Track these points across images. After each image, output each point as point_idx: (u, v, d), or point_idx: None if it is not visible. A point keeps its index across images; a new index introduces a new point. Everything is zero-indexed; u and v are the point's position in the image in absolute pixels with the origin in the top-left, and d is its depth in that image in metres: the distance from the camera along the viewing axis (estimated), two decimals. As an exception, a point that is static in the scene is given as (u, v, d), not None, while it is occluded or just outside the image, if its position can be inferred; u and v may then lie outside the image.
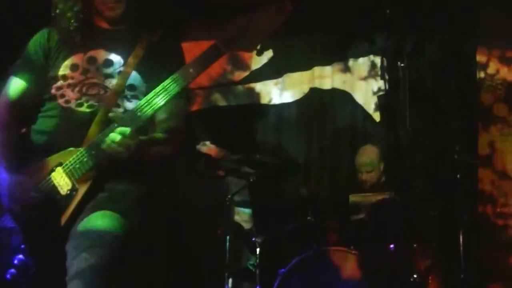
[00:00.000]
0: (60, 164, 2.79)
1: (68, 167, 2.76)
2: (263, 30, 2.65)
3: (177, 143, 3.00)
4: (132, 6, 2.95)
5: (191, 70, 2.71)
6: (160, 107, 2.72)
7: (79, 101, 2.90)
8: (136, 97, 2.91)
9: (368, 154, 5.76)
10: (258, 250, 5.01)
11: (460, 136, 5.99)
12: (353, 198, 5.52)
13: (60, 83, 2.94)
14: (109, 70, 2.94)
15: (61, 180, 2.77)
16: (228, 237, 5.16)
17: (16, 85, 3.02)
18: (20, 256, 2.71)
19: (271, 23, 2.64)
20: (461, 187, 4.95)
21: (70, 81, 2.93)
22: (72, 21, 2.97)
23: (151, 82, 2.88)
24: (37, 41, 3.07)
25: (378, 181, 5.66)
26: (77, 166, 2.75)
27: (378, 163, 5.67)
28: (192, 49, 2.93)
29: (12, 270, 2.70)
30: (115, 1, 2.92)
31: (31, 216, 2.74)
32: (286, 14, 2.65)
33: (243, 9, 2.72)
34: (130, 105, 2.90)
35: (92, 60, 2.96)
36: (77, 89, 2.92)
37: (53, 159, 2.82)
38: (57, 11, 2.99)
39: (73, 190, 2.75)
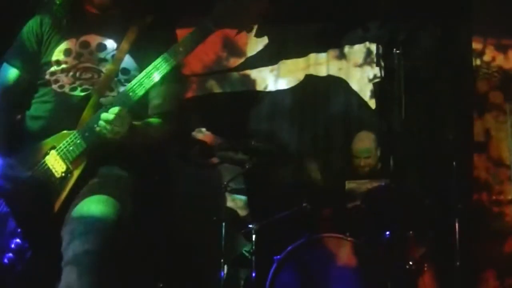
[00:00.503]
0: (54, 148, 2.80)
1: (62, 150, 2.77)
2: (252, 9, 2.66)
3: (169, 126, 3.01)
4: None
5: (180, 49, 2.73)
6: (151, 87, 2.74)
7: (73, 85, 2.91)
8: (129, 81, 2.89)
9: (365, 141, 5.75)
10: (254, 237, 5.02)
11: (455, 123, 5.99)
12: (349, 184, 5.52)
13: (53, 68, 2.95)
14: (102, 54, 2.95)
15: (55, 163, 2.77)
16: (223, 224, 5.16)
17: (9, 72, 3.03)
18: (17, 240, 2.70)
19: (259, 2, 2.66)
20: (455, 174, 4.95)
21: (63, 66, 2.94)
22: (62, 7, 2.98)
23: (144, 66, 2.87)
24: (29, 28, 3.07)
25: (375, 167, 5.65)
26: (71, 148, 2.75)
27: (374, 150, 5.66)
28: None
29: (10, 254, 2.70)
30: None
31: (25, 198, 2.74)
32: None
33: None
34: (122, 88, 2.90)
35: (85, 45, 2.96)
36: (70, 73, 2.92)
37: (47, 142, 2.83)
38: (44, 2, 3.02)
39: (68, 172, 2.75)
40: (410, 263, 4.56)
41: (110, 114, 2.63)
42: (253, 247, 5.03)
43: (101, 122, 2.65)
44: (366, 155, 5.67)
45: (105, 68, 2.92)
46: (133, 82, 2.73)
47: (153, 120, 2.95)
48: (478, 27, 6.10)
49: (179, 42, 2.77)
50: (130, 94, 2.72)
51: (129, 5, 3.03)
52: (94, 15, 3.02)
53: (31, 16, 3.12)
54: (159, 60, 2.72)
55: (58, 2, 2.98)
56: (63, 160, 2.76)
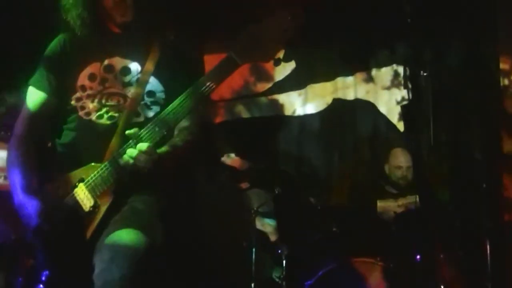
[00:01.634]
0: (82, 180, 2.82)
1: (90, 183, 2.78)
2: (276, 38, 2.60)
3: (195, 150, 3.01)
4: (143, 10, 2.95)
5: (208, 83, 2.68)
6: (178, 122, 2.73)
7: (99, 113, 2.91)
8: (156, 103, 2.92)
9: (401, 155, 5.81)
10: (284, 262, 5.02)
11: (484, 143, 5.96)
12: (381, 203, 5.52)
13: (79, 94, 2.96)
14: (127, 78, 2.95)
15: (83, 196, 2.79)
16: (253, 249, 5.17)
17: (35, 96, 3.03)
18: (47, 272, 2.74)
19: (283, 31, 2.59)
20: (485, 195, 4.91)
21: (89, 91, 2.94)
22: (85, 26, 2.99)
23: (169, 86, 2.90)
24: (53, 49, 3.08)
25: (410, 182, 5.65)
26: (98, 182, 2.76)
27: (410, 164, 5.68)
28: (212, 62, 2.89)
29: (40, 286, 2.72)
30: (125, 7, 2.91)
31: (57, 229, 2.77)
32: (298, 21, 2.59)
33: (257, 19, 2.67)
34: (150, 112, 2.92)
35: (109, 69, 2.97)
36: (96, 99, 2.93)
37: (76, 174, 2.85)
38: (68, 18, 3.01)
39: (95, 206, 2.77)
40: (442, 285, 4.52)
41: (134, 150, 2.64)
42: (284, 272, 5.03)
43: (126, 157, 2.66)
44: (406, 165, 5.68)
45: (131, 92, 2.92)
46: (161, 115, 2.71)
47: (179, 145, 2.92)
48: (505, 46, 6.08)
49: (206, 74, 2.72)
50: (157, 129, 2.70)
51: (150, 23, 3.02)
52: (117, 35, 3.02)
53: (55, 34, 3.12)
54: (186, 93, 2.69)
55: (80, 22, 2.98)
56: (91, 193, 2.78)
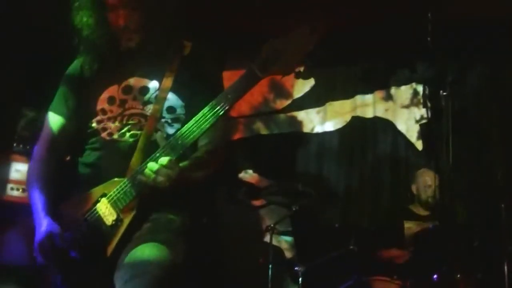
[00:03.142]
0: (104, 195, 2.81)
1: (112, 198, 2.78)
2: (297, 51, 2.60)
3: (217, 163, 2.99)
4: (151, 31, 2.95)
5: (229, 96, 2.67)
6: (200, 135, 2.71)
7: (121, 131, 2.91)
8: (176, 120, 2.92)
9: (427, 176, 5.78)
10: (300, 279, 5.01)
11: (504, 162, 5.92)
12: (408, 224, 5.51)
13: (99, 117, 2.96)
14: (146, 97, 2.95)
15: (106, 210, 2.79)
16: (270, 266, 5.17)
17: (53, 121, 3.05)
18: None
19: (304, 44, 2.59)
20: (505, 214, 4.88)
21: (109, 114, 2.95)
22: (102, 47, 3.00)
23: (189, 101, 2.90)
24: (71, 74, 3.10)
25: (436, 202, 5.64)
26: (121, 196, 2.76)
27: (435, 186, 5.66)
28: (232, 78, 2.88)
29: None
30: (131, 32, 2.93)
31: (79, 245, 2.76)
32: (319, 34, 2.59)
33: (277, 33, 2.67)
34: (171, 129, 2.91)
35: (127, 90, 2.97)
36: (117, 121, 2.93)
37: (98, 190, 2.84)
38: (81, 41, 3.03)
39: (118, 220, 2.76)
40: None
41: (155, 165, 2.64)
42: (300, 289, 5.03)
43: (147, 171, 2.65)
44: (430, 190, 5.66)
45: (150, 109, 2.92)
46: (183, 130, 2.70)
47: (200, 160, 2.91)
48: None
49: (227, 89, 2.72)
50: (179, 142, 2.69)
51: (163, 41, 3.00)
52: (133, 54, 3.00)
53: (75, 53, 3.12)
54: (207, 108, 2.67)
55: (98, 42, 2.98)
56: (114, 208, 2.77)
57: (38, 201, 2.89)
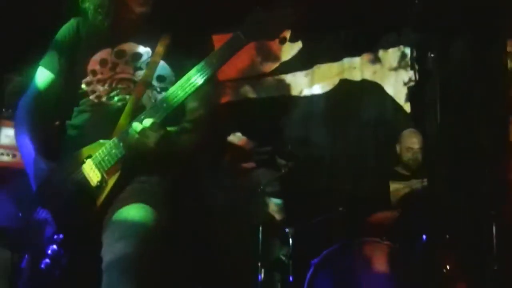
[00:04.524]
0: (89, 156, 2.84)
1: (98, 159, 2.81)
2: (281, 20, 2.67)
3: (204, 132, 3.03)
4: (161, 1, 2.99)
5: (214, 61, 2.73)
6: (184, 99, 2.75)
7: (110, 95, 2.94)
8: (165, 89, 2.92)
9: (413, 138, 5.81)
10: (290, 240, 5.06)
11: (490, 127, 5.96)
12: (393, 185, 5.55)
13: (89, 78, 2.98)
14: (138, 64, 2.98)
15: (91, 171, 2.81)
16: (260, 228, 5.20)
17: (42, 75, 3.06)
18: (54, 246, 2.76)
19: (288, 14, 2.66)
20: (491, 178, 4.93)
21: (99, 76, 2.98)
22: (101, 16, 3.01)
23: (179, 71, 2.89)
24: (65, 32, 3.10)
25: (421, 165, 5.67)
26: (106, 158, 2.79)
27: (421, 148, 5.70)
28: (222, 41, 2.92)
29: (46, 260, 2.75)
30: None
31: (64, 204, 2.80)
32: (302, 7, 2.67)
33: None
34: (159, 97, 2.92)
35: (120, 54, 3.00)
36: (107, 84, 2.96)
37: (84, 151, 2.87)
38: (86, 4, 3.02)
39: (103, 181, 2.79)
40: (448, 267, 4.55)
41: (139, 125, 2.67)
42: (290, 251, 5.07)
43: (132, 132, 2.69)
44: (417, 146, 5.69)
45: (140, 76, 2.95)
46: (167, 92, 2.76)
47: (187, 126, 2.97)
48: (512, 30, 6.07)
49: (212, 53, 2.77)
50: (164, 105, 2.73)
51: (166, 12, 3.05)
52: (131, 22, 3.04)
53: (67, 19, 3.14)
54: (193, 71, 2.72)
55: (98, 10, 3.00)
56: (98, 169, 2.80)
57: (29, 144, 2.92)
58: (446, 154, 5.48)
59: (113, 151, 2.77)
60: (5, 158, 4.63)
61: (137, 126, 2.67)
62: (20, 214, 3.00)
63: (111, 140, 2.80)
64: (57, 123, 3.12)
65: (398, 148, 5.91)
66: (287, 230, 5.11)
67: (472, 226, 4.96)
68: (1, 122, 4.70)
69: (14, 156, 4.62)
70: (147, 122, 2.67)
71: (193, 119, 2.98)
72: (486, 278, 4.82)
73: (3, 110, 4.78)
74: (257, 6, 2.71)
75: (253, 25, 2.69)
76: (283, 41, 2.79)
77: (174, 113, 2.82)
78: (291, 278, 5.02)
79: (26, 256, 2.87)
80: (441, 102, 4.37)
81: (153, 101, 2.91)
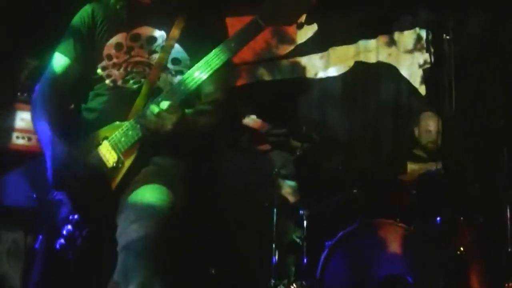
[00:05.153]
0: (106, 138, 2.85)
1: (114, 140, 2.82)
2: (299, 5, 2.63)
3: (220, 115, 3.03)
4: None
5: (232, 45, 2.70)
6: (202, 82, 2.74)
7: (125, 78, 2.95)
8: (180, 72, 2.93)
9: (431, 121, 5.72)
10: (305, 223, 5.07)
11: (506, 108, 5.93)
12: (411, 166, 5.54)
13: (105, 62, 3.00)
14: (153, 47, 2.98)
15: (107, 153, 2.83)
16: (275, 210, 5.22)
17: (59, 61, 3.07)
18: (69, 226, 2.77)
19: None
20: (506, 159, 4.90)
21: (115, 60, 2.98)
22: (117, 1, 3.03)
23: (194, 54, 2.90)
24: (80, 18, 3.10)
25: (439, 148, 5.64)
26: (122, 139, 2.80)
27: (440, 131, 5.65)
28: (235, 24, 2.91)
29: (61, 241, 2.77)
30: None
31: (80, 186, 2.79)
32: None
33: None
34: (174, 80, 2.93)
35: (135, 37, 3.00)
36: (122, 68, 2.97)
37: (100, 133, 2.88)
38: None
39: (119, 162, 2.80)
40: (462, 248, 4.55)
41: (156, 107, 2.66)
42: (304, 233, 5.09)
43: (149, 113, 2.68)
44: (435, 129, 5.61)
45: (155, 59, 2.96)
46: (185, 75, 2.74)
47: (204, 108, 2.97)
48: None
49: (230, 37, 2.74)
50: (182, 88, 2.72)
51: None
52: (146, 6, 3.04)
53: (82, 4, 3.15)
54: (211, 55, 2.70)
55: None
56: (115, 150, 2.81)
57: (46, 128, 2.91)
58: (461, 135, 5.47)
59: (130, 132, 2.78)
60: (21, 141, 4.66)
61: (154, 108, 2.66)
62: (34, 195, 3.00)
63: (128, 122, 2.81)
64: (72, 106, 3.13)
65: (416, 131, 5.87)
66: (301, 212, 5.12)
67: (487, 207, 4.93)
68: (17, 106, 4.73)
69: (29, 139, 4.65)
70: (165, 104, 2.66)
71: (209, 101, 2.98)
72: (500, 260, 4.80)
73: (19, 94, 4.81)
74: None
75: (271, 10, 2.65)
76: (300, 26, 2.75)
77: (191, 97, 2.84)
78: (305, 260, 5.03)
79: (40, 237, 2.89)
80: (456, 84, 4.36)
81: (169, 84, 2.91)
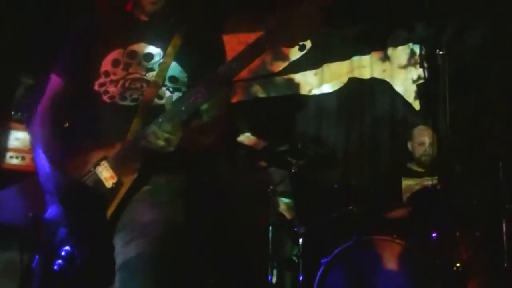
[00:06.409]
0: (104, 158, 2.82)
1: (113, 161, 2.79)
2: (304, 27, 2.53)
3: (219, 131, 3.01)
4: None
5: (234, 66, 2.64)
6: (204, 103, 2.71)
7: (123, 95, 2.91)
8: (178, 90, 2.92)
9: (425, 132, 5.75)
10: (300, 240, 5.05)
11: (503, 121, 5.93)
12: (406, 181, 5.53)
13: (102, 79, 2.96)
14: (150, 64, 2.95)
15: (106, 173, 2.79)
16: (270, 228, 5.20)
17: (56, 81, 3.06)
18: (67, 247, 2.74)
19: (312, 20, 2.52)
20: (503, 174, 4.89)
21: (112, 77, 2.95)
22: (112, 12, 3.03)
23: (191, 71, 2.90)
24: (76, 35, 3.09)
25: (434, 158, 5.63)
26: (121, 159, 2.77)
27: (433, 143, 5.66)
28: (230, 41, 2.88)
29: (60, 261, 2.73)
30: None
31: (78, 207, 2.78)
32: (325, 12, 2.54)
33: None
34: (173, 96, 2.89)
35: (132, 55, 2.97)
36: (119, 84, 2.93)
37: (98, 153, 2.85)
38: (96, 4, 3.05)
39: (118, 183, 2.77)
40: (458, 264, 4.53)
41: (157, 129, 2.62)
42: (300, 250, 5.06)
43: (151, 135, 2.64)
44: (429, 142, 5.65)
45: (152, 76, 2.93)
46: (187, 95, 2.70)
47: (203, 126, 2.96)
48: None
49: (232, 58, 2.68)
50: (183, 108, 2.66)
51: (176, 10, 3.04)
52: (143, 22, 3.03)
53: (78, 21, 3.14)
54: (213, 75, 2.65)
55: (111, 9, 3.03)
56: (114, 171, 2.78)
57: (43, 154, 2.91)
58: (457, 149, 5.46)
59: (130, 153, 2.76)
60: (15, 161, 4.65)
61: (156, 130, 2.62)
62: (30, 214, 2.99)
63: (128, 141, 2.78)
64: (66, 124, 3.11)
65: (410, 145, 5.88)
66: (297, 229, 5.10)
67: (483, 222, 4.91)
68: (11, 125, 4.72)
69: (23, 159, 4.63)
70: (167, 126, 2.62)
71: (208, 120, 2.97)
72: (498, 275, 4.78)
73: (13, 112, 4.79)
74: (277, 11, 2.59)
75: (274, 31, 2.57)
76: (302, 48, 2.66)
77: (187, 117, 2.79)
78: (301, 278, 5.01)
79: (37, 256, 2.87)
80: (451, 99, 4.36)
81: (166, 101, 2.84)
